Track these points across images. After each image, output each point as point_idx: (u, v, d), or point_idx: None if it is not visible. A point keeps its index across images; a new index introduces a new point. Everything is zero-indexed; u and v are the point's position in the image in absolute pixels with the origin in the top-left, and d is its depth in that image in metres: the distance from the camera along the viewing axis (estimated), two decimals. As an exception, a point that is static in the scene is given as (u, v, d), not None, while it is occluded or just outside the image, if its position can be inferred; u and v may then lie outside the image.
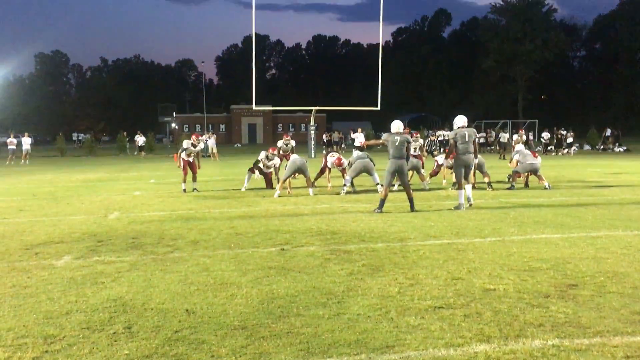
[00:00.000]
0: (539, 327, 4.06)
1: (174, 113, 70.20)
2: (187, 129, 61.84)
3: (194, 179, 13.76)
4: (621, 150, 35.49)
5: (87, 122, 80.00)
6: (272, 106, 54.89)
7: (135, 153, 37.17)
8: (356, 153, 13.53)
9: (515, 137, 17.97)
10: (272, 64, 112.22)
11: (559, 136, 35.05)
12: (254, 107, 30.97)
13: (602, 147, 37.56)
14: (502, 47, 66.94)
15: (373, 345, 3.78)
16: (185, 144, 13.73)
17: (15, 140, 31.29)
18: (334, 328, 4.09)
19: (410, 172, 12.64)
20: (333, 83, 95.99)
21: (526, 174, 13.67)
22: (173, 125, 69.34)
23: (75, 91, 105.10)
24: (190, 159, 13.65)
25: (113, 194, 13.38)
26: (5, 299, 4.94)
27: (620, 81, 68.38)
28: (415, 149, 14.76)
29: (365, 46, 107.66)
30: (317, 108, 33.34)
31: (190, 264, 6.14)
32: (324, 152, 24.46)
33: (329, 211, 10.04)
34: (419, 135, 17.68)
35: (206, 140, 31.08)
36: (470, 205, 10.20)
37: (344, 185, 12.78)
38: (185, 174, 13.59)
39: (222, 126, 68.04)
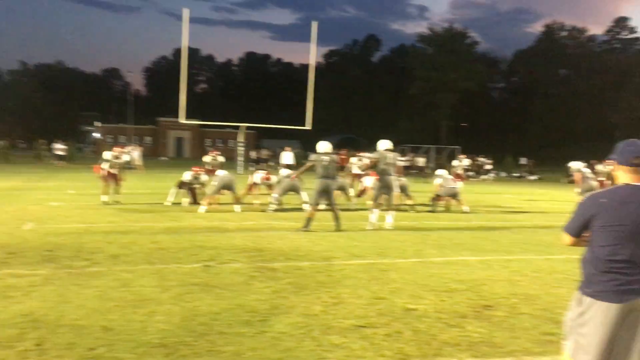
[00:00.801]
0: (455, 347, 4.21)
1: (97, 122, 67.76)
2: (111, 139, 59.89)
3: (117, 191, 13.31)
4: (534, 178, 37.57)
5: (3, 127, 75.50)
6: (201, 120, 54.13)
7: (56, 162, 35.42)
8: (284, 171, 13.58)
9: (454, 162, 18.69)
10: (202, 78, 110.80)
11: (478, 162, 36.65)
12: (181, 120, 30.41)
13: (517, 174, 39.63)
14: (428, 75, 69.50)
15: (295, 363, 3.78)
16: (107, 155, 13.30)
17: None
18: (256, 346, 4.06)
19: (337, 192, 12.81)
20: (263, 101, 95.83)
21: (447, 197, 14.23)
22: (96, 134, 66.84)
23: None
24: (113, 171, 13.22)
25: (28, 204, 12.70)
26: None
27: (535, 113, 72.51)
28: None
29: (296, 66, 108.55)
30: (246, 125, 33.18)
31: (109, 279, 5.92)
32: (252, 168, 24.35)
33: (255, 228, 9.99)
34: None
35: (130, 152, 30.14)
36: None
37: (271, 202, 12.77)
38: (107, 185, 13.13)
39: (149, 138, 66.33)
